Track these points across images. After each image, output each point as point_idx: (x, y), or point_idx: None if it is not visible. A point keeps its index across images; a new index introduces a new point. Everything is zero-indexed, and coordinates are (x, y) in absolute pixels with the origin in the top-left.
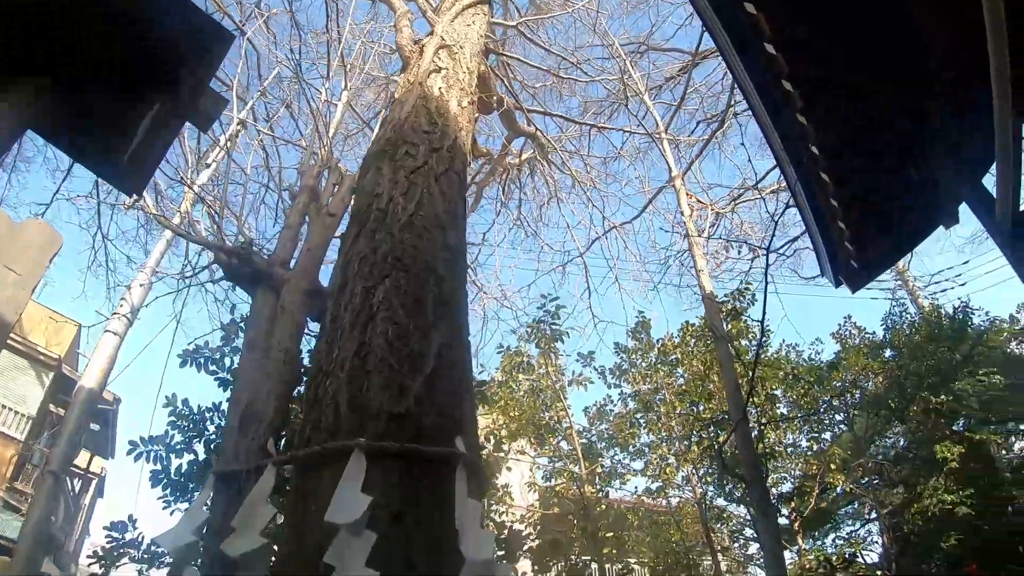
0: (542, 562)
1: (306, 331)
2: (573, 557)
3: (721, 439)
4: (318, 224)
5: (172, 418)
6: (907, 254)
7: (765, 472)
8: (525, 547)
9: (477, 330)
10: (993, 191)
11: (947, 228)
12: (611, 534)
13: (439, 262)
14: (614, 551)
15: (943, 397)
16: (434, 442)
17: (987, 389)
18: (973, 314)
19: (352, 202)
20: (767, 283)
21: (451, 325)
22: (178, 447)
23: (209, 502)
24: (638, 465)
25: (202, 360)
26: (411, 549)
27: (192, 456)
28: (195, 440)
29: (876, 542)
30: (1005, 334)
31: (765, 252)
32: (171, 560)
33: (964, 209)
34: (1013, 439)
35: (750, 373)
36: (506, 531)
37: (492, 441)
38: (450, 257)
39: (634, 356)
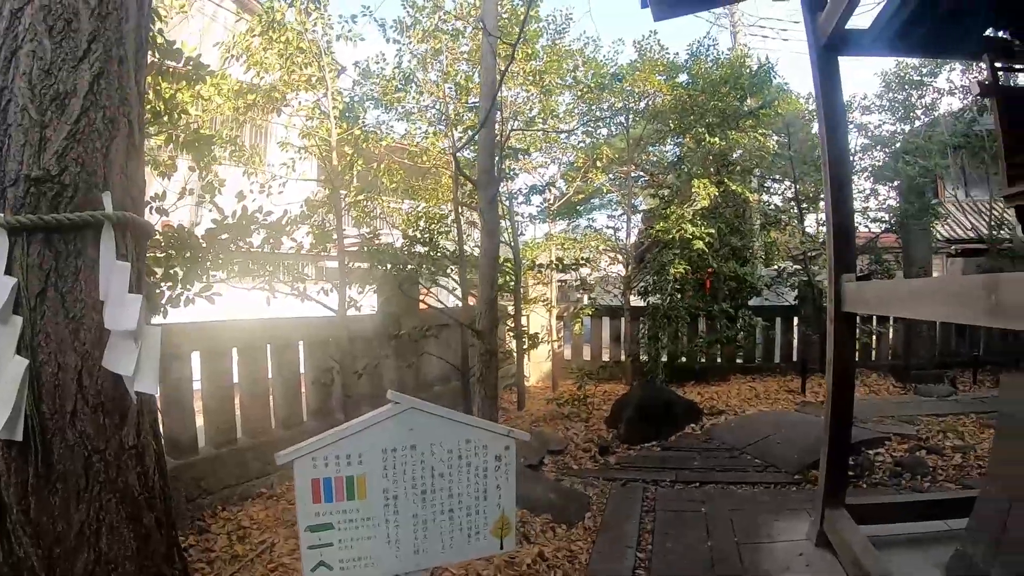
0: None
1: None
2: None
3: (461, 142)
4: None
5: None
6: (722, 5)
7: (500, 178)
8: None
9: None
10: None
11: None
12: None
13: None
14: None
15: (716, 140)
16: (78, 203)
17: (759, 148)
18: (775, 76)
19: None
20: None
21: (108, 42)
22: None
23: None
24: (400, 128)
25: None
26: (57, 326)
27: None
28: None
29: (621, 239)
30: (799, 110)
31: None
32: None
33: None
34: (767, 198)
35: (506, 64)
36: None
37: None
38: None
39: (421, 13)
